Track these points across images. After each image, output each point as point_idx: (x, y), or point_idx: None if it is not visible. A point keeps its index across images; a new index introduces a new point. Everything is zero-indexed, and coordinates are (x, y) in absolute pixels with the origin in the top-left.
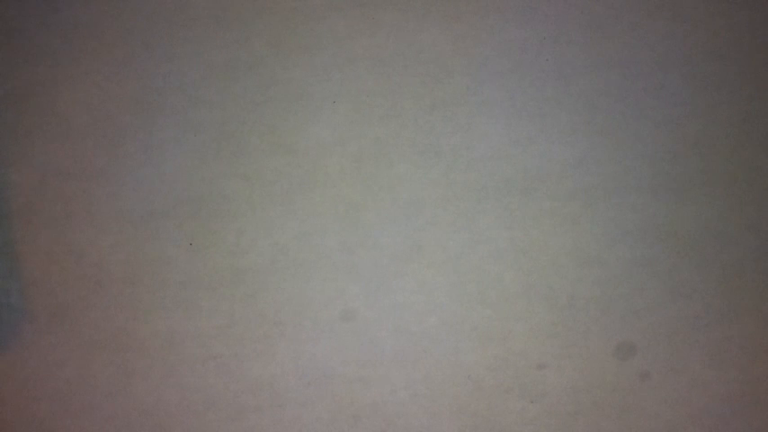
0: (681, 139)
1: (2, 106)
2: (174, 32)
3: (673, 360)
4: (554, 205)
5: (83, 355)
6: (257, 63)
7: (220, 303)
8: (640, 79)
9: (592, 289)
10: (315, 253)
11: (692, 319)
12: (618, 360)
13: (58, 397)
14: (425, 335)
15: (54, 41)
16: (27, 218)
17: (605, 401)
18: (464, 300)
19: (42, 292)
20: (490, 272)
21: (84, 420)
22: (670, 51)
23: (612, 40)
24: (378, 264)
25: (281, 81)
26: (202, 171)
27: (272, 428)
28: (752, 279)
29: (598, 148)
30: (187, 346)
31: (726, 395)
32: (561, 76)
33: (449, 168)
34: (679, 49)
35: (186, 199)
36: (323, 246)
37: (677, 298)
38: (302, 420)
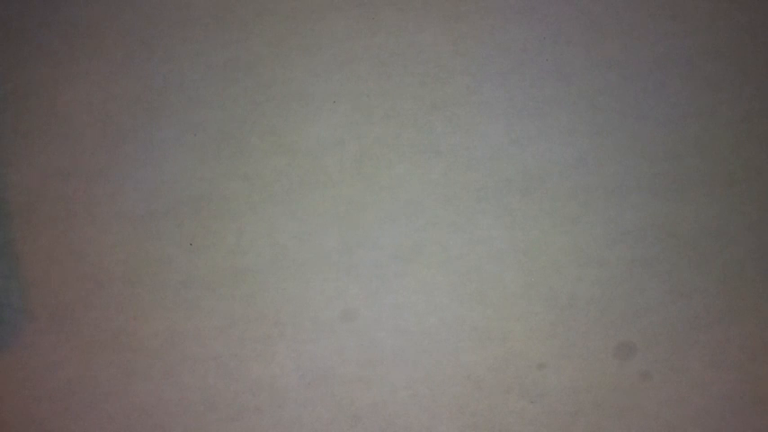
0: (681, 139)
1: (2, 106)
2: (174, 32)
3: (673, 360)
4: (554, 205)
5: (83, 355)
6: (257, 63)
7: (220, 303)
8: (640, 79)
9: (592, 289)
10: (315, 253)
11: (692, 319)
12: (618, 360)
13: (58, 397)
14: (425, 335)
15: (54, 41)
16: (27, 218)
17: (605, 401)
18: (464, 300)
19: (42, 292)
20: (490, 272)
21: (84, 420)
22: (670, 51)
23: (612, 40)
24: (378, 264)
25: (281, 81)
26: (202, 171)
27: (272, 428)
28: (752, 279)
29: (598, 148)
30: (187, 346)
31: (726, 395)
32: (561, 76)
33: (449, 168)
34: (679, 49)
35: (186, 199)
36: (323, 246)
37: (677, 298)
38: (302, 420)
